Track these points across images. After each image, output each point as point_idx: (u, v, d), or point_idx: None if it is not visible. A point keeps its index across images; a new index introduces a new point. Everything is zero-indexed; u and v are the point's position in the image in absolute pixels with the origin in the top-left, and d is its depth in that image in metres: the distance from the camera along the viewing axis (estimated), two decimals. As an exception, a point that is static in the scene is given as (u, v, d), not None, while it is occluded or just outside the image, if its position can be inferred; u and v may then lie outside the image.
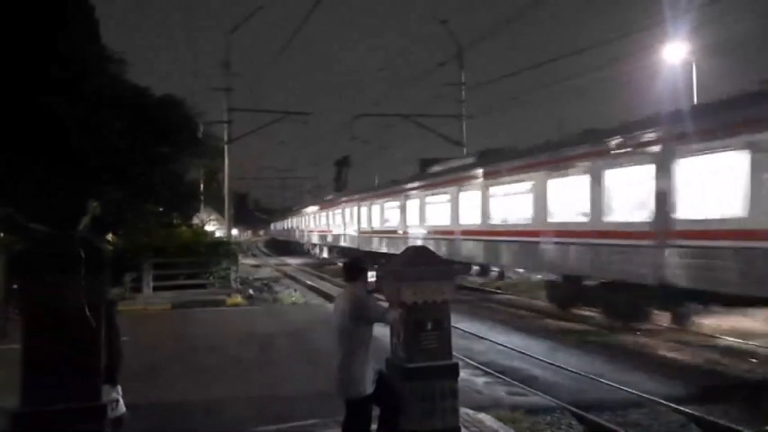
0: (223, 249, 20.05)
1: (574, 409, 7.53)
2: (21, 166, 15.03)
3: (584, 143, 13.00)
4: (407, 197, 22.81)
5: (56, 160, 15.62)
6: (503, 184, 15.83)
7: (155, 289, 17.45)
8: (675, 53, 20.95)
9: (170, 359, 9.81)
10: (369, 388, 4.80)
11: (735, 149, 9.22)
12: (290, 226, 61.40)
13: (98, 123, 16.79)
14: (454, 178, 18.91)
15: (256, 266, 36.36)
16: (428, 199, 20.86)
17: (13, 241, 13.08)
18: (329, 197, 42.94)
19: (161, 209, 22.87)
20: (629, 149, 11.39)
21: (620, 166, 11.58)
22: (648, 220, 10.76)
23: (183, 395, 7.66)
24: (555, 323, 14.18)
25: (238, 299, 17.45)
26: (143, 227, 19.41)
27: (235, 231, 45.10)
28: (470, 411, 6.63)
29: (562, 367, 9.75)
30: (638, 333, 12.37)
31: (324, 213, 40.17)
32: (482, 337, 12.43)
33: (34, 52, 15.69)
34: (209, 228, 30.67)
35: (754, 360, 10.17)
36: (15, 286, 4.34)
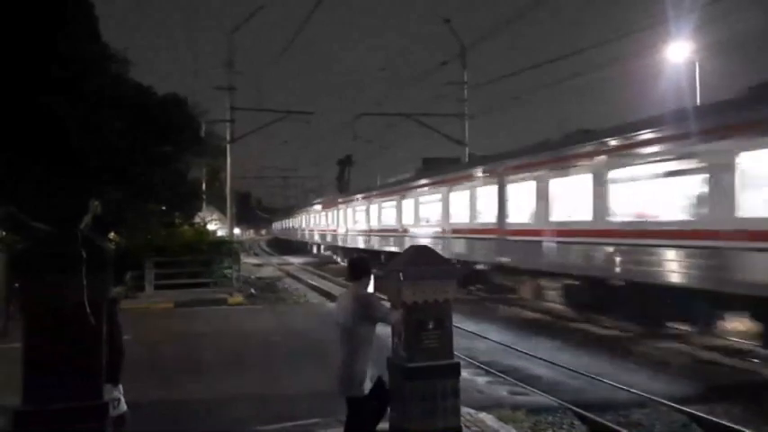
0: (225, 248, 20.06)
1: (576, 409, 7.51)
2: (21, 166, 15.04)
3: (465, 169, 18.93)
4: (370, 203, 28.80)
5: (56, 160, 15.64)
6: (425, 194, 21.27)
7: (157, 288, 17.46)
8: (678, 52, 20.88)
9: (172, 358, 9.82)
10: (369, 387, 4.80)
11: (529, 181, 14.41)
12: (291, 225, 62.02)
13: (98, 123, 16.80)
14: (398, 189, 24.63)
15: (258, 265, 36.39)
16: (383, 205, 26.76)
17: (15, 240, 13.09)
18: (319, 200, 46.98)
19: (163, 208, 22.90)
20: (486, 175, 16.64)
21: (483, 185, 16.89)
22: (495, 222, 15.81)
23: (184, 394, 7.66)
24: (557, 323, 14.17)
25: (240, 298, 17.45)
26: (143, 226, 19.43)
27: (237, 230, 45.16)
28: (472, 411, 6.61)
29: (564, 367, 9.73)
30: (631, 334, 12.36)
31: (318, 213, 44.23)
32: (484, 337, 12.42)
33: (34, 52, 15.68)
34: (211, 227, 30.67)
35: (756, 360, 10.15)
36: (17, 285, 4.34)
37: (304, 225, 51.72)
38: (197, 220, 25.24)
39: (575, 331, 13.06)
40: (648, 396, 7.98)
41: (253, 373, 8.82)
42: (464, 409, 6.13)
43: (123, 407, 4.57)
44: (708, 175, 9.57)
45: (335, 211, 36.68)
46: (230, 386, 7.97)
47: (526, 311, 15.97)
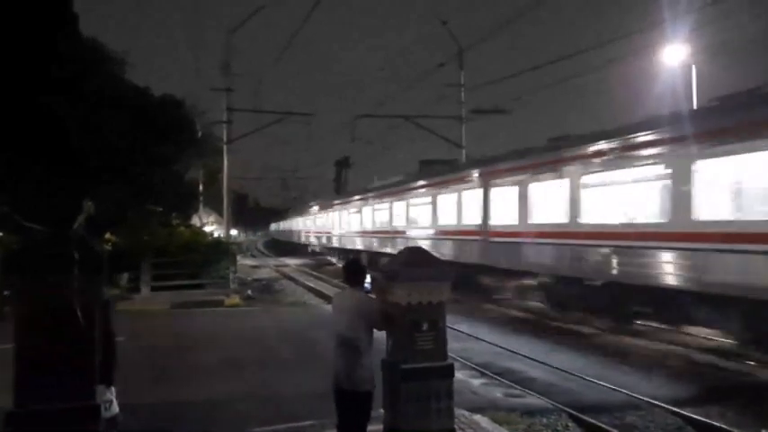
0: (222, 249, 20.07)
1: (571, 411, 7.50)
2: (21, 166, 15.04)
3: (425, 178, 22.20)
4: (341, 209, 34.68)
5: (56, 160, 15.64)
6: (397, 201, 24.87)
7: (153, 289, 17.45)
8: (675, 55, 20.90)
9: (168, 359, 9.81)
10: (371, 385, 4.82)
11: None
12: (287, 227, 62.65)
13: (98, 123, 16.80)
14: (364, 197, 29.70)
15: (255, 267, 36.35)
16: (343, 211, 33.01)
17: (12, 241, 13.08)
18: (303, 205, 51.73)
19: (161, 209, 22.89)
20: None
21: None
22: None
23: (180, 395, 7.66)
24: (553, 325, 14.17)
25: (236, 300, 17.44)
26: (142, 227, 19.43)
27: (234, 232, 45.14)
28: (466, 413, 6.62)
29: (559, 369, 9.74)
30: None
31: (310, 216, 47.62)
32: (480, 339, 12.42)
33: (34, 52, 15.68)
34: (207, 228, 30.63)
35: (751, 362, 10.16)
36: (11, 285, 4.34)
37: (297, 227, 54.58)
38: (194, 221, 25.22)
39: (569, 333, 13.07)
40: (643, 398, 7.99)
41: (249, 374, 8.82)
42: (459, 411, 6.14)
43: (115, 409, 4.54)
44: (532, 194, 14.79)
45: (319, 215, 41.35)
46: (226, 388, 7.97)
47: (522, 313, 15.98)
